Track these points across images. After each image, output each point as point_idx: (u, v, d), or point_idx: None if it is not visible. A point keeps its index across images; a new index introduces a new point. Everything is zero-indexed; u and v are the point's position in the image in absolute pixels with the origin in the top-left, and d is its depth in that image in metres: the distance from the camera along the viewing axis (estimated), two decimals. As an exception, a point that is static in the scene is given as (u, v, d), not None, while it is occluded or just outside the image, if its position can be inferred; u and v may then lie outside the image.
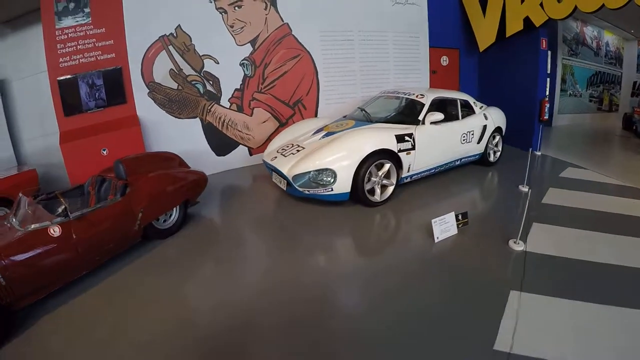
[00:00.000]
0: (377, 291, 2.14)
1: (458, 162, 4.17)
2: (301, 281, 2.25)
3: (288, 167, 3.23)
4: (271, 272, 2.39)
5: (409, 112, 4.01)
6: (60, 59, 3.57)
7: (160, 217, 2.94)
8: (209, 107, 4.59)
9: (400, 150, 3.33)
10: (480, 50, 5.59)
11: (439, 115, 3.63)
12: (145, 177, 2.82)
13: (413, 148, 3.44)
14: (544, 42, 4.94)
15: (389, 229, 3.07)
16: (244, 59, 4.69)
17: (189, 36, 4.28)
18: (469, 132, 4.08)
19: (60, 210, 2.35)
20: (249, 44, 4.69)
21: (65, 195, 2.68)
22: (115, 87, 3.90)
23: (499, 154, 4.67)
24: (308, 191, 3.12)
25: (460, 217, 2.82)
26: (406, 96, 4.17)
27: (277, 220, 3.28)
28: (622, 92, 9.42)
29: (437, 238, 2.63)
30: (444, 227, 2.67)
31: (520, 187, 3.77)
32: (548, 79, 5.27)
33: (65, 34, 3.55)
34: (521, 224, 2.57)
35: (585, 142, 6.73)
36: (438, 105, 4.44)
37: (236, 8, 4.50)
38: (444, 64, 5.99)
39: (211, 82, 4.53)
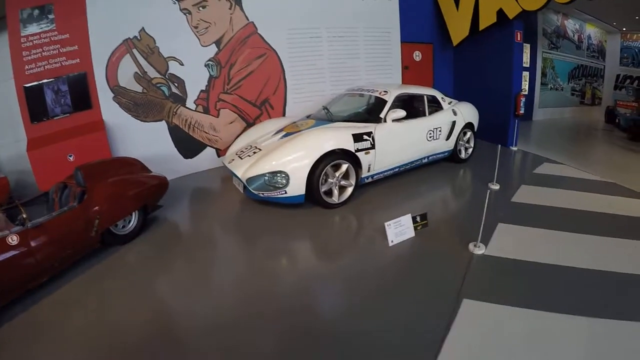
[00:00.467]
0: (316, 296, 2.28)
1: (426, 160, 4.66)
2: (247, 287, 2.51)
3: (243, 170, 3.58)
4: (223, 277, 2.73)
5: (371, 110, 4.50)
6: (26, 66, 4.07)
7: (119, 223, 3.29)
8: (174, 110, 5.10)
9: (358, 150, 3.65)
10: (454, 45, 6.11)
11: (401, 112, 3.96)
12: (102, 183, 3.21)
13: (373, 147, 3.77)
14: (518, 35, 5.47)
15: (344, 232, 3.32)
16: (209, 60, 5.18)
17: (153, 38, 4.76)
18: (436, 128, 4.52)
19: (19, 219, 2.71)
20: (214, 44, 5.17)
21: (31, 203, 3.21)
22: (80, 93, 4.41)
23: (470, 150, 5.24)
24: (263, 194, 3.49)
25: (418, 218, 3.01)
26: (370, 93, 4.62)
27: (235, 223, 3.71)
28: (605, 85, 10.00)
29: (392, 242, 2.81)
30: (399, 230, 2.84)
31: (490, 185, 4.15)
32: (527, 73, 5.80)
33: (30, 41, 4.04)
34: (481, 225, 2.69)
35: (564, 136, 7.36)
36: (403, 102, 4.89)
37: (200, 8, 4.97)
38: (417, 59, 6.50)
39: (176, 84, 5.04)
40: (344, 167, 3.64)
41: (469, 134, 5.14)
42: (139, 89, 4.82)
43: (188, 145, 5.33)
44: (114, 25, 4.51)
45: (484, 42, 6.08)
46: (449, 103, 4.95)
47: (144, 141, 4.93)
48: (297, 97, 5.89)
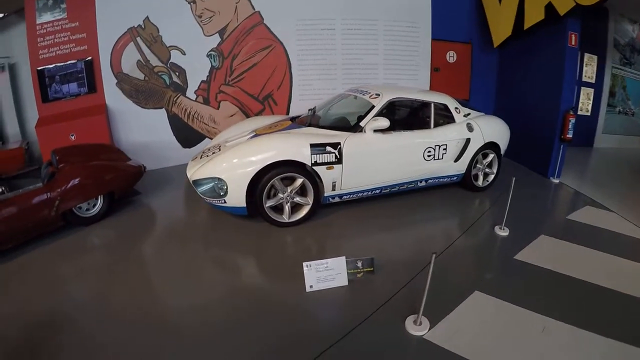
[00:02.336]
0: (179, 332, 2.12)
1: (423, 184, 4.05)
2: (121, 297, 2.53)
3: (192, 171, 3.46)
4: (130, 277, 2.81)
5: (353, 117, 4.03)
6: (40, 51, 4.66)
7: (83, 206, 3.60)
8: (174, 99, 5.37)
9: (316, 164, 3.28)
10: (495, 46, 5.23)
11: (382, 122, 3.44)
12: (70, 167, 3.57)
13: (338, 162, 3.36)
14: (573, 38, 4.44)
15: (275, 259, 3.04)
16: (211, 50, 5.29)
17: (157, 27, 5.03)
18: (440, 145, 3.86)
19: None
20: (217, 34, 5.24)
21: (27, 175, 3.71)
22: (86, 77, 4.91)
23: (492, 177, 4.44)
24: (207, 199, 3.39)
25: (360, 264, 2.58)
26: (361, 96, 4.02)
27: (189, 222, 3.82)
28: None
29: (310, 287, 2.47)
30: (325, 274, 2.49)
31: (497, 228, 3.45)
32: (591, 90, 4.75)
33: (44, 28, 4.60)
34: (424, 295, 2.06)
35: (625, 173, 5.79)
36: (399, 109, 4.43)
37: (205, -2, 5.05)
38: (451, 60, 5.72)
39: (177, 74, 5.27)
40: (299, 181, 3.32)
41: (491, 156, 4.33)
42: (141, 76, 5.17)
43: (187, 134, 5.59)
44: (120, 14, 4.87)
45: (531, 45, 5.06)
46: (465, 115, 4.19)
47: (144, 127, 5.32)
48: (304, 93, 5.70)
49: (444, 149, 3.94)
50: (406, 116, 4.43)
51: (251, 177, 3.15)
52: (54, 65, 4.76)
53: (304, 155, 3.23)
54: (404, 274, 2.69)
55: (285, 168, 3.23)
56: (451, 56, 5.75)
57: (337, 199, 3.64)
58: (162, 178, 5.07)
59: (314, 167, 3.30)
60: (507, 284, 2.68)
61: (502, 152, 4.46)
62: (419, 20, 5.54)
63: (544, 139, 4.81)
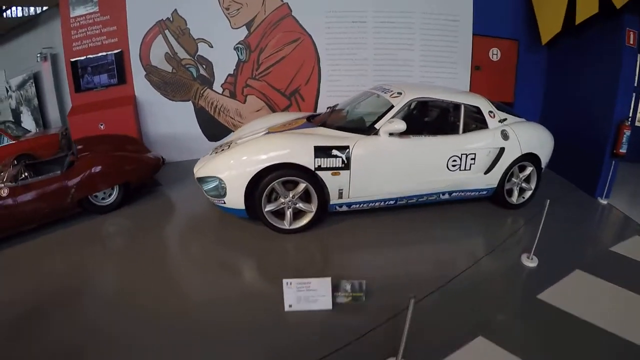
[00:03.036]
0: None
1: (446, 197, 3.71)
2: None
3: (198, 167, 3.37)
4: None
5: (371, 117, 3.59)
6: (74, 44, 4.81)
7: (99, 195, 3.77)
8: (201, 92, 5.39)
9: (319, 168, 3.03)
10: (543, 43, 4.75)
11: (399, 125, 3.13)
12: (88, 157, 3.74)
13: (345, 167, 3.09)
14: (631, 36, 3.93)
15: (269, 266, 2.88)
16: (239, 43, 5.23)
17: (185, 20, 5.03)
18: (467, 154, 3.48)
19: (22, 176, 3.43)
20: (245, 26, 5.16)
21: (57, 161, 3.91)
22: (116, 69, 5.04)
23: (529, 193, 4.00)
24: (210, 199, 3.29)
25: (348, 287, 2.31)
26: (382, 94, 3.68)
27: (201, 218, 3.77)
28: None
29: (290, 306, 2.27)
30: (307, 294, 2.25)
31: (525, 258, 2.99)
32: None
33: (78, 21, 4.74)
34: (402, 339, 1.79)
35: None
36: (423, 110, 4.11)
37: (234, -11, 4.96)
38: (494, 58, 5.28)
39: (204, 67, 5.27)
40: (301, 186, 3.11)
41: (529, 169, 3.90)
42: (169, 68, 5.23)
43: (213, 127, 5.61)
44: (149, 7, 4.91)
45: (584, 43, 4.52)
46: (501, 121, 3.77)
47: (171, 119, 5.42)
48: (333, 90, 5.52)
49: (472, 159, 3.57)
50: (431, 119, 4.10)
51: (249, 178, 3.01)
52: (86, 56, 4.90)
53: (307, 159, 3.00)
54: (399, 303, 2.41)
55: (287, 171, 3.03)
56: (494, 54, 5.31)
57: (344, 208, 3.37)
58: (185, 170, 5.11)
59: (317, 172, 3.06)
60: (522, 331, 2.29)
61: (543, 165, 3.99)
62: (459, 13, 5.13)
63: (593, 152, 4.32)
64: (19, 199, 3.27)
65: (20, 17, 5.69)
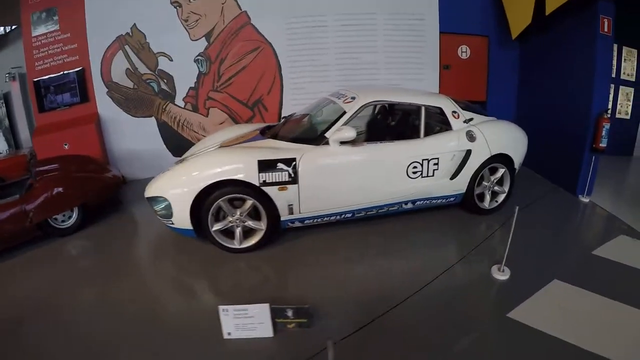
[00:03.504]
0: None
1: (409, 206, 3.40)
2: None
3: (149, 186, 3.23)
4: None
5: (324, 126, 3.26)
6: (36, 63, 4.90)
7: (58, 217, 3.70)
8: (163, 106, 5.34)
9: (265, 184, 2.87)
10: (513, 37, 4.36)
11: (348, 132, 2.91)
12: (46, 179, 3.73)
13: (293, 181, 2.91)
14: (605, 24, 3.53)
15: (218, 293, 2.74)
16: (199, 55, 5.17)
17: (144, 34, 5.04)
18: (429, 159, 3.24)
19: None
20: (204, 37, 5.09)
21: (14, 185, 3.97)
22: (78, 87, 5.09)
23: (502, 197, 3.66)
24: (160, 219, 3.14)
25: (290, 313, 2.15)
26: (336, 100, 3.47)
27: (158, 238, 3.61)
28: None
29: (229, 334, 2.16)
30: (244, 322, 2.13)
31: (496, 270, 2.70)
32: (631, 90, 3.76)
33: (39, 40, 4.84)
34: None
35: None
36: (382, 115, 3.93)
37: (191, 0, 4.94)
38: (464, 56, 4.92)
39: (165, 81, 5.23)
40: (248, 203, 2.95)
41: (501, 171, 3.54)
42: (130, 84, 5.22)
43: (177, 143, 5.51)
44: (109, 22, 4.96)
45: (558, 36, 4.14)
46: (467, 121, 3.45)
47: (135, 136, 5.37)
48: (296, 98, 5.32)
49: (434, 164, 3.29)
50: (389, 124, 3.87)
51: (193, 197, 2.85)
52: (48, 76, 4.98)
53: (250, 174, 2.83)
54: (346, 328, 2.16)
55: (232, 188, 2.87)
56: (464, 51, 4.94)
57: (298, 224, 3.18)
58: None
59: (262, 188, 2.88)
60: (489, 356, 2.00)
61: (517, 166, 3.63)
62: (424, 12, 4.85)
63: (572, 148, 3.85)
64: None
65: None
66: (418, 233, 3.39)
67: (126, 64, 5.14)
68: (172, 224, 3.04)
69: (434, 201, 3.48)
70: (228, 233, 3.08)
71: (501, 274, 2.66)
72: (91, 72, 5.09)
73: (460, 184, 3.43)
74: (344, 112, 3.16)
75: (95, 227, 3.90)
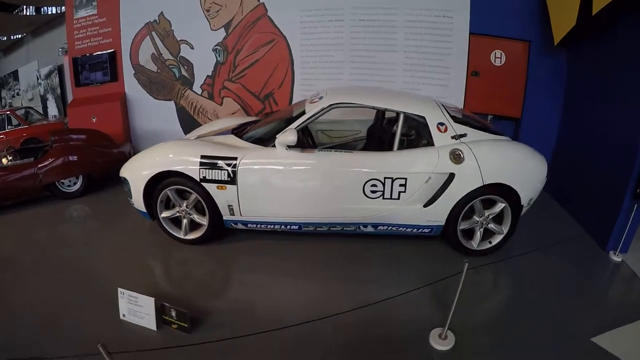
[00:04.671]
0: None
1: (370, 229, 2.81)
2: None
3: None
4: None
5: (281, 126, 2.91)
6: (76, 42, 5.23)
7: (65, 182, 4.12)
8: (182, 92, 5.38)
9: (204, 180, 2.68)
10: (555, 42, 3.46)
11: (289, 136, 2.54)
12: (58, 148, 4.07)
13: (231, 182, 2.65)
14: None
15: (135, 274, 2.66)
16: (217, 45, 5.08)
17: (169, 22, 5.10)
18: (394, 179, 2.59)
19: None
20: (223, 28, 5.00)
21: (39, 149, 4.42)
22: (110, 67, 5.32)
23: (499, 239, 2.81)
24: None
25: (174, 313, 2.03)
26: (307, 99, 3.13)
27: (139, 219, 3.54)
28: None
29: (123, 315, 2.15)
30: (135, 309, 2.10)
31: (436, 335, 2.01)
32: None
33: (80, 23, 5.15)
34: None
35: None
36: (349, 120, 3.55)
37: (214, -9, 4.87)
38: (498, 63, 4.10)
39: (186, 67, 5.26)
40: (192, 197, 2.81)
41: (500, 206, 2.71)
42: (154, 68, 5.33)
43: (192, 127, 5.43)
44: (139, 9, 5.08)
45: (609, 45, 3.12)
46: (456, 137, 2.66)
47: (156, 116, 5.50)
48: (306, 94, 4.87)
49: (401, 185, 2.64)
50: (358, 130, 3.41)
51: (145, 182, 2.81)
52: (85, 54, 5.30)
53: (192, 168, 2.68)
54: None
55: (178, 179, 2.76)
56: (497, 57, 4.10)
57: (241, 226, 2.91)
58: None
59: (202, 184, 2.70)
60: None
61: (525, 202, 2.72)
62: (453, 8, 4.11)
63: (610, 189, 2.88)
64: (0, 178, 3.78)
65: (52, 14, 6.68)
66: (375, 264, 2.80)
67: (152, 49, 5.26)
68: (133, 204, 3.01)
69: (402, 229, 2.80)
70: (177, 222, 2.99)
71: (440, 342, 1.96)
72: (121, 54, 5.30)
73: (438, 214, 2.70)
74: (303, 113, 2.76)
75: (94, 195, 4.21)
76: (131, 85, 5.41)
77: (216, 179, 2.66)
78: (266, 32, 4.85)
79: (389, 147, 2.78)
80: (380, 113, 3.38)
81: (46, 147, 4.34)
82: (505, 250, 2.89)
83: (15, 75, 10.07)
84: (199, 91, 5.32)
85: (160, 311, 2.05)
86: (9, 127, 5.99)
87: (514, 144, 2.85)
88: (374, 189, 2.66)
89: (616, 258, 2.81)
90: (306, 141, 3.23)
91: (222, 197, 2.71)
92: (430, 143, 2.70)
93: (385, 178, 2.62)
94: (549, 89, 3.91)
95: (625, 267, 2.77)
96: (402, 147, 2.77)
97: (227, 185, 2.67)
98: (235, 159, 2.65)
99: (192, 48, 5.15)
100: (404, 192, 2.66)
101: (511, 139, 2.97)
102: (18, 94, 10.07)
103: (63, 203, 4.04)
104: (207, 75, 5.23)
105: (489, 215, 2.78)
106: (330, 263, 2.81)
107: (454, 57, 4.20)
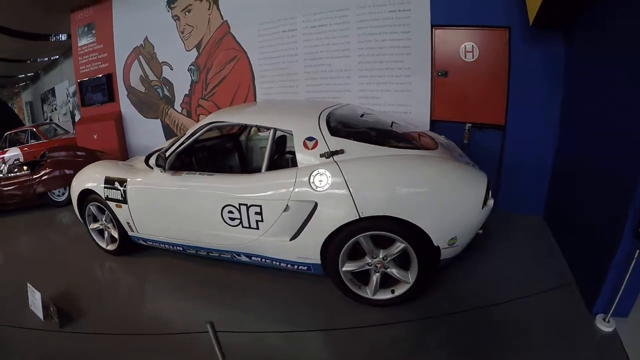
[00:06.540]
0: None
1: (245, 259, 2.22)
2: None
3: None
4: None
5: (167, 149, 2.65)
6: (80, 67, 5.43)
7: (55, 192, 4.32)
8: (166, 110, 5.20)
9: (108, 198, 2.59)
10: (530, 23, 2.32)
11: (153, 159, 2.35)
12: (50, 162, 4.27)
13: (124, 201, 2.49)
14: None
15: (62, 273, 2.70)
16: (191, 64, 4.81)
17: (153, 45, 5.00)
18: (248, 205, 1.99)
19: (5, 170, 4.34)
20: (195, 48, 4.73)
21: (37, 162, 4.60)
22: (107, 89, 5.39)
23: (404, 290, 1.87)
24: None
25: (52, 309, 2.09)
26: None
27: None
28: None
29: (32, 305, 2.19)
30: (33, 300, 2.16)
31: None
32: None
33: (83, 50, 5.33)
34: None
35: None
36: (226, 138, 3.16)
37: (186, 13, 4.65)
38: (468, 58, 2.99)
39: (167, 87, 5.08)
40: (107, 213, 2.70)
41: (399, 247, 1.77)
42: (142, 89, 5.26)
43: (175, 145, 5.30)
44: (129, 35, 5.06)
45: (605, 23, 1.84)
46: (328, 155, 1.85)
47: (147, 133, 5.37)
48: (270, 110, 4.34)
49: (256, 213, 1.94)
50: (229, 151, 3.07)
51: (77, 195, 2.82)
52: (88, 78, 5.48)
53: (100, 188, 2.61)
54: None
55: (97, 196, 2.70)
56: (468, 51, 2.97)
57: (142, 242, 2.66)
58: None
59: (107, 202, 2.60)
60: None
61: (442, 242, 1.73)
62: (410, 0, 3.19)
63: (606, 221, 1.63)
64: (2, 186, 4.18)
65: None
66: (257, 292, 2.17)
67: (140, 71, 5.23)
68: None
69: (276, 263, 2.09)
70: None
71: None
72: (116, 77, 5.37)
73: (308, 251, 1.92)
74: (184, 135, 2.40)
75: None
76: (125, 105, 5.39)
77: (114, 198, 2.54)
78: (230, 49, 4.41)
79: (253, 167, 2.50)
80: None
81: (41, 162, 4.48)
82: (452, 299, 1.83)
83: (53, 92, 11.36)
84: (179, 109, 5.07)
85: (46, 305, 2.08)
86: (32, 141, 6.48)
87: (427, 162, 1.81)
88: (231, 215, 2.02)
89: (605, 327, 1.53)
90: (204, 162, 2.80)
91: (121, 214, 2.57)
92: (295, 163, 1.87)
93: (240, 204, 1.96)
94: (541, 87, 2.68)
95: (615, 343, 1.49)
96: (271, 168, 2.03)
97: (122, 205, 2.51)
98: (126, 180, 2.48)
99: (172, 69, 4.95)
100: (261, 221, 1.92)
101: (472, 163, 2.01)
102: (56, 109, 11.31)
103: (54, 210, 4.29)
104: (185, 94, 4.95)
105: (386, 257, 1.78)
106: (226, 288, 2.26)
107: (415, 55, 3.21)
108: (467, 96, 3.02)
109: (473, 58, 2.92)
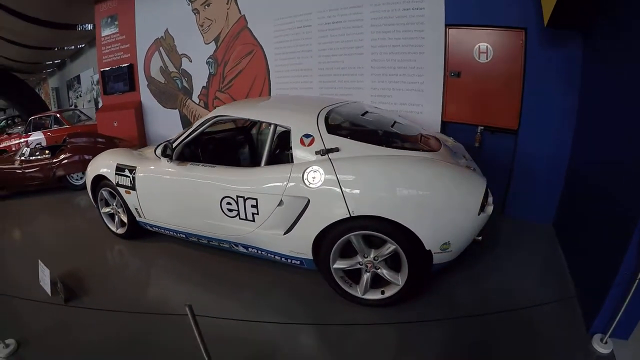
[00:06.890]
0: None
1: (242, 249, 2.27)
2: None
3: None
4: None
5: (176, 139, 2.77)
6: (103, 57, 5.57)
7: (74, 175, 4.48)
8: (184, 101, 5.29)
9: (118, 185, 2.67)
10: (545, 23, 2.22)
11: (159, 149, 2.40)
12: (69, 147, 4.41)
13: (133, 188, 2.58)
14: None
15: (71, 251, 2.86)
16: (209, 57, 4.86)
17: (173, 37, 5.08)
18: (245, 198, 2.03)
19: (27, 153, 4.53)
20: (213, 41, 4.78)
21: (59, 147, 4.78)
22: (129, 79, 5.52)
23: (394, 291, 1.84)
24: None
25: (59, 285, 2.20)
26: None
27: None
28: None
29: (40, 281, 2.28)
30: (42, 276, 2.24)
31: None
32: None
33: (106, 40, 5.47)
34: None
35: None
36: (231, 132, 3.22)
37: (206, 7, 4.70)
38: (483, 59, 2.90)
39: (186, 79, 5.16)
40: (117, 198, 2.79)
41: (389, 248, 1.76)
42: (162, 80, 5.37)
43: (191, 134, 5.39)
44: (150, 27, 5.15)
45: (628, 24, 1.71)
46: (323, 152, 1.85)
47: (165, 123, 5.48)
48: (283, 105, 4.35)
49: (252, 206, 2.00)
50: (236, 144, 3.12)
51: (90, 182, 2.93)
52: (110, 67, 5.63)
53: (112, 175, 2.70)
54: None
55: (108, 182, 2.78)
56: (482, 52, 2.87)
57: (149, 228, 2.74)
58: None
59: (117, 188, 2.69)
60: None
61: (434, 247, 1.72)
62: None
63: (607, 243, 1.55)
64: (24, 167, 4.40)
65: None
66: (254, 283, 2.20)
67: (160, 62, 5.33)
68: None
69: (271, 256, 2.13)
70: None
71: None
72: (137, 67, 5.49)
73: (300, 246, 1.94)
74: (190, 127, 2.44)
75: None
76: (145, 94, 5.52)
77: (124, 184, 2.61)
78: (247, 44, 4.43)
79: (253, 161, 2.68)
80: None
81: (62, 147, 4.65)
82: (448, 305, 1.80)
83: (78, 79, 11.70)
84: (197, 101, 5.15)
85: (54, 281, 2.17)
86: (55, 126, 6.73)
87: (423, 164, 1.79)
88: (229, 207, 2.10)
89: (601, 348, 1.47)
90: (210, 154, 2.80)
91: (129, 200, 2.64)
92: (291, 159, 1.91)
93: (237, 196, 2.06)
94: (556, 91, 2.58)
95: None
96: (270, 162, 2.07)
97: (131, 191, 2.58)
98: (135, 168, 2.55)
99: (191, 61, 5.02)
100: (257, 213, 1.98)
101: (474, 167, 2.01)
102: (80, 96, 11.66)
103: (72, 194, 4.46)
104: (202, 86, 5.02)
105: (377, 258, 1.78)
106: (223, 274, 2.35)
107: (428, 55, 3.14)
108: (479, 98, 2.93)
109: (487, 59, 2.83)
